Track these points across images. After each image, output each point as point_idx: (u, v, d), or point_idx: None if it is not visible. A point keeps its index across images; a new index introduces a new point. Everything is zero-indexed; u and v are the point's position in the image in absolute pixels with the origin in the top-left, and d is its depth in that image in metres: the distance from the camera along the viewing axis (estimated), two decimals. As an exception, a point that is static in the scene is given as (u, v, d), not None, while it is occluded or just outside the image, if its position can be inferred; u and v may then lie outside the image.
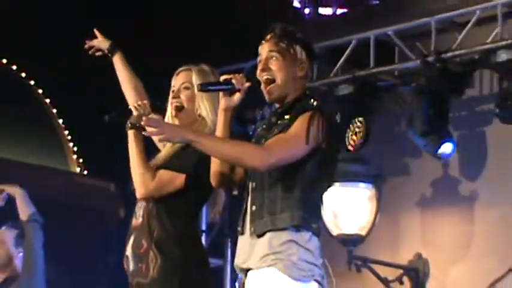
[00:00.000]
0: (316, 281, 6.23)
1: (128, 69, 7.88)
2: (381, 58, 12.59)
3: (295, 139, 6.27)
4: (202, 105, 7.46)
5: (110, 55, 7.86)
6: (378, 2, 13.77)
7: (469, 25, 11.89)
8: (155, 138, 7.18)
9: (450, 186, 12.68)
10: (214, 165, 6.47)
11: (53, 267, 10.34)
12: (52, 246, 10.16)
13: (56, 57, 13.39)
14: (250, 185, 6.42)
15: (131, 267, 7.29)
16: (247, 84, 6.21)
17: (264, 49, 6.54)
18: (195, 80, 7.46)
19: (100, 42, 7.88)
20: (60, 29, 13.64)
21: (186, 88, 7.49)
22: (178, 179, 7.17)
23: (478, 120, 12.38)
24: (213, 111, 7.36)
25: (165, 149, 7.48)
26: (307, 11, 13.09)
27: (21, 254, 10.12)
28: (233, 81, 6.23)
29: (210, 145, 6.36)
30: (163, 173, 7.17)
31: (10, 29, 13.82)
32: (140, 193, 7.08)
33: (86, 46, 7.89)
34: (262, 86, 6.51)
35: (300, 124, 6.29)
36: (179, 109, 7.43)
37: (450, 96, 12.09)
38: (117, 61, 7.85)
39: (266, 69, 6.47)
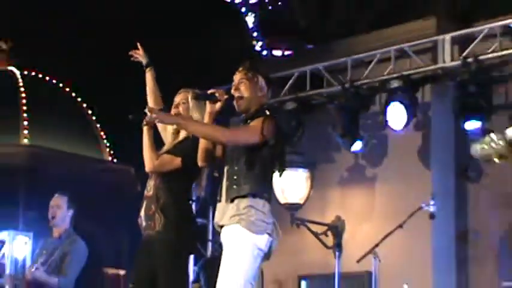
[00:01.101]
0: (268, 233, 7.11)
1: (154, 83, 8.41)
2: (314, 84, 13.77)
3: (250, 129, 7.15)
4: (194, 115, 7.98)
5: (144, 68, 8.40)
6: (311, 46, 13.88)
7: (372, 63, 13.14)
8: (159, 126, 8.31)
9: (360, 171, 13.84)
10: (202, 144, 7.35)
11: (92, 223, 11.00)
12: (91, 209, 10.79)
13: (92, 72, 13.61)
14: (225, 168, 7.28)
15: (143, 224, 7.96)
16: (226, 96, 7.17)
17: (237, 76, 7.45)
18: (190, 98, 8.03)
19: (141, 56, 8.37)
20: (99, 50, 13.70)
21: (184, 103, 8.17)
22: (175, 161, 7.85)
23: (379, 127, 13.25)
24: (201, 119, 7.79)
25: (168, 143, 8.20)
26: (264, 52, 13.63)
27: (71, 213, 10.46)
28: (216, 94, 7.20)
29: (193, 126, 7.41)
30: (165, 156, 7.87)
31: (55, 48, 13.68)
32: (148, 167, 7.87)
33: (130, 53, 8.38)
34: (234, 101, 7.38)
35: (256, 122, 7.15)
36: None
37: (360, 111, 13.05)
38: (149, 75, 8.37)
39: (237, 89, 7.39)
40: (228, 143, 7.21)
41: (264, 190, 7.23)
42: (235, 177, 7.18)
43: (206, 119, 7.43)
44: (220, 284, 7.09)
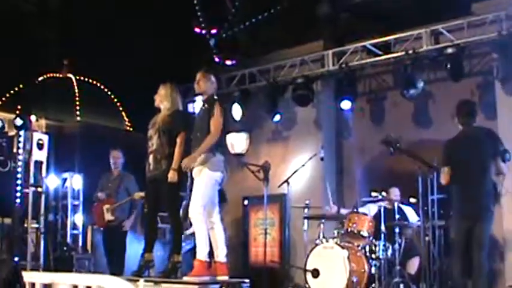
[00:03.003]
0: (221, 171, 7.68)
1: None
2: (250, 80, 13.96)
3: (217, 122, 7.62)
4: (165, 103, 8.37)
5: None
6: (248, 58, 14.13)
7: (286, 68, 13.43)
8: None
9: (279, 133, 14.10)
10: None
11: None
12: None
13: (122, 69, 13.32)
14: (193, 135, 7.81)
15: (152, 167, 8.20)
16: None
17: (198, 76, 7.97)
18: (162, 90, 8.49)
19: None
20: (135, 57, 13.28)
21: (159, 95, 8.48)
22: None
23: (291, 105, 13.41)
24: (171, 104, 8.36)
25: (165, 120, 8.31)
26: (217, 60, 13.66)
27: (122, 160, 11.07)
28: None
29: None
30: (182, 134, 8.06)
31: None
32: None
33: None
34: (196, 87, 8.02)
35: (216, 111, 7.65)
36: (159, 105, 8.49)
37: (278, 96, 13.42)
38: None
39: (198, 83, 7.95)
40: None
41: (219, 147, 7.78)
42: (199, 140, 7.69)
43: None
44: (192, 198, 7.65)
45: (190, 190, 7.87)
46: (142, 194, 10.28)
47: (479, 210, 8.12)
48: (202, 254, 7.58)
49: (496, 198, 8.29)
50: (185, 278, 7.63)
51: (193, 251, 7.99)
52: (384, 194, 10.48)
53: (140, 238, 9.23)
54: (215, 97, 7.96)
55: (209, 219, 7.74)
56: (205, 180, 7.68)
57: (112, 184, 11.01)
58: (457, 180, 8.36)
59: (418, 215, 10.17)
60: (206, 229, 7.63)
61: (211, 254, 7.77)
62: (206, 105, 7.91)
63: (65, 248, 12.85)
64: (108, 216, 10.87)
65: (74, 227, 13.57)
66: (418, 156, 9.44)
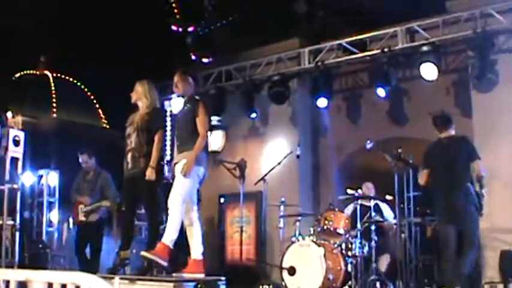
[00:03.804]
0: (203, 167, 7.61)
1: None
2: (226, 78, 14.00)
3: (204, 122, 7.59)
4: (144, 99, 8.22)
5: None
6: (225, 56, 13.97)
7: (262, 66, 13.41)
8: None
9: (255, 130, 13.98)
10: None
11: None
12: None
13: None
14: (176, 133, 7.78)
15: (130, 166, 8.07)
16: None
17: (176, 78, 7.86)
18: (139, 87, 8.32)
19: None
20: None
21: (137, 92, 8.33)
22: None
23: (267, 103, 13.40)
24: (148, 100, 8.22)
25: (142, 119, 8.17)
26: (194, 58, 13.57)
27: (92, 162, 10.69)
28: None
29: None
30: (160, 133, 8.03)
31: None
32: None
33: None
34: (175, 91, 7.93)
35: (201, 111, 7.59)
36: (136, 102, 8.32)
37: (255, 94, 13.42)
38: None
39: (176, 85, 7.86)
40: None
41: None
42: (184, 138, 7.68)
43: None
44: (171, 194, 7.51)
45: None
46: (108, 203, 10.41)
47: (462, 216, 8.47)
48: (167, 239, 7.47)
49: (477, 199, 8.48)
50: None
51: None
52: (359, 191, 10.38)
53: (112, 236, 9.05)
54: (196, 97, 7.90)
55: (188, 215, 7.67)
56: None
57: (87, 184, 10.80)
58: (436, 184, 8.75)
59: (394, 213, 10.17)
60: (180, 219, 7.54)
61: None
62: (189, 105, 7.84)
63: (40, 245, 12.74)
64: (81, 217, 10.68)
65: (50, 224, 13.45)
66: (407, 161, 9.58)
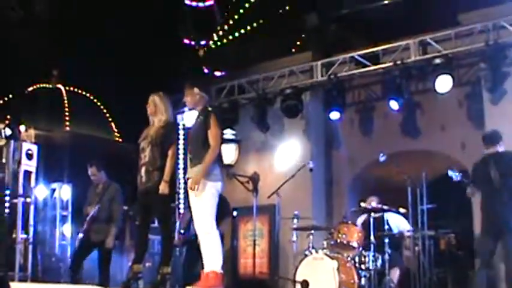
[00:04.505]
0: (221, 181, 7.50)
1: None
2: (239, 91, 13.95)
3: (216, 135, 7.47)
4: (162, 107, 8.23)
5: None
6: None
7: (275, 79, 13.35)
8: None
9: (267, 144, 13.78)
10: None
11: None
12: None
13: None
14: (189, 147, 7.71)
15: (144, 179, 8.02)
16: None
17: (185, 90, 7.81)
18: (157, 99, 8.29)
19: None
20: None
21: (152, 103, 8.29)
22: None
23: (280, 116, 13.30)
24: (165, 108, 8.27)
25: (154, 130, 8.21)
26: (206, 71, 13.82)
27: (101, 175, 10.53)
28: None
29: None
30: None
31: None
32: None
33: None
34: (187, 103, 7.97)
35: (212, 123, 7.47)
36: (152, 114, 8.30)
37: (267, 107, 13.31)
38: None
39: (186, 100, 7.82)
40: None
41: (216, 159, 7.58)
42: (196, 151, 7.55)
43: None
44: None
45: (188, 203, 7.72)
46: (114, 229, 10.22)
47: (501, 227, 8.75)
48: (217, 266, 7.42)
49: None
50: None
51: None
52: (362, 204, 10.39)
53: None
54: (209, 109, 7.80)
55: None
56: (208, 192, 7.52)
57: (97, 197, 10.57)
58: (481, 197, 9.11)
59: (404, 224, 10.23)
60: (219, 240, 7.51)
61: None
62: (201, 117, 7.76)
63: (53, 259, 12.75)
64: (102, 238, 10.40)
65: (63, 237, 13.46)
66: None
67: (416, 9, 12.66)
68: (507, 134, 10.36)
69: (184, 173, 8.94)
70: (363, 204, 10.33)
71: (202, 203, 7.48)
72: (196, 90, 7.82)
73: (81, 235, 10.30)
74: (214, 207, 7.54)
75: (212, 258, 7.40)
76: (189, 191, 7.56)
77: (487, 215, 8.91)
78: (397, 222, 10.70)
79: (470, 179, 9.21)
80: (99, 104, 15.39)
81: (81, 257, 10.26)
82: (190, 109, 8.51)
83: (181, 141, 13.47)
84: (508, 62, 11.06)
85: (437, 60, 11.47)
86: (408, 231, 10.36)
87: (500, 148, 9.16)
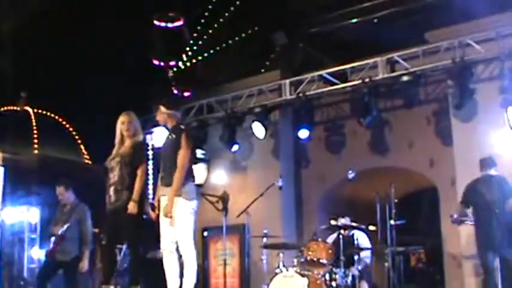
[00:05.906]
0: (196, 199, 7.57)
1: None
2: (208, 111, 13.94)
3: (186, 152, 7.45)
4: (136, 135, 8.17)
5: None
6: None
7: (243, 98, 13.43)
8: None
9: (237, 163, 13.94)
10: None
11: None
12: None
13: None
14: (162, 165, 7.74)
15: (113, 199, 7.98)
16: None
17: (158, 110, 7.84)
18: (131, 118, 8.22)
19: None
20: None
21: (125, 122, 8.16)
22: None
23: (249, 136, 13.35)
24: (138, 127, 8.25)
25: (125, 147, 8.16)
26: (175, 91, 13.88)
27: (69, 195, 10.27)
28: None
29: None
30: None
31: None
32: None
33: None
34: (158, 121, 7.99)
35: (184, 142, 7.46)
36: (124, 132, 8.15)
37: (236, 126, 13.32)
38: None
39: (158, 117, 7.85)
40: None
41: (189, 176, 7.60)
42: (169, 171, 7.52)
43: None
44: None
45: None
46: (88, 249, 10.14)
47: (496, 245, 9.26)
48: (192, 286, 7.44)
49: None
50: None
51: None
52: (332, 222, 10.31)
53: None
54: (182, 127, 7.82)
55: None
56: (184, 211, 7.54)
57: (63, 216, 10.43)
58: (475, 217, 9.60)
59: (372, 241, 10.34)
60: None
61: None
62: (173, 135, 7.76)
63: (21, 283, 12.55)
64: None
65: (31, 260, 13.26)
66: None
67: (383, 28, 12.79)
68: (475, 150, 10.62)
69: (153, 194, 8.72)
70: (333, 222, 10.22)
71: (180, 224, 7.46)
72: (163, 109, 7.81)
73: (45, 255, 10.18)
74: (192, 226, 7.55)
75: (192, 277, 7.40)
76: (161, 209, 7.51)
77: (484, 231, 9.32)
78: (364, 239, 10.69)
79: (462, 199, 9.65)
80: (67, 126, 15.35)
81: (46, 278, 10.11)
82: (162, 126, 8.31)
83: (150, 161, 13.36)
84: (474, 79, 11.16)
85: (405, 78, 11.56)
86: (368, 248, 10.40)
87: (492, 172, 9.60)
